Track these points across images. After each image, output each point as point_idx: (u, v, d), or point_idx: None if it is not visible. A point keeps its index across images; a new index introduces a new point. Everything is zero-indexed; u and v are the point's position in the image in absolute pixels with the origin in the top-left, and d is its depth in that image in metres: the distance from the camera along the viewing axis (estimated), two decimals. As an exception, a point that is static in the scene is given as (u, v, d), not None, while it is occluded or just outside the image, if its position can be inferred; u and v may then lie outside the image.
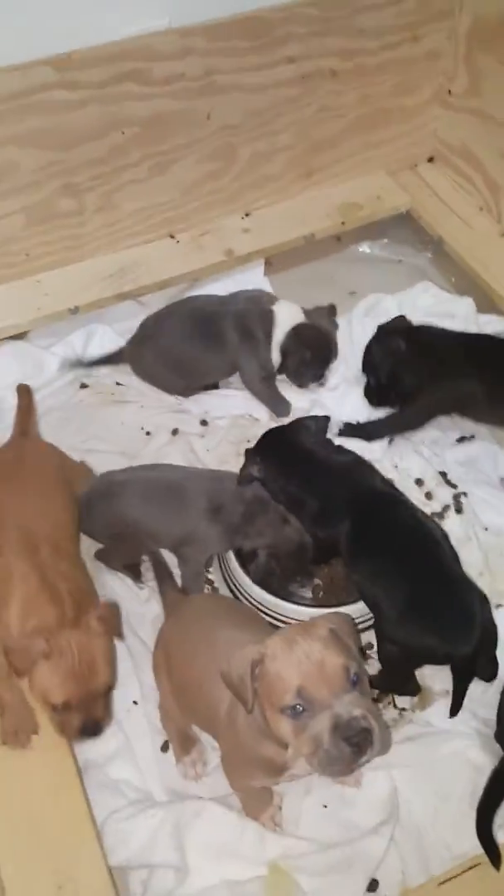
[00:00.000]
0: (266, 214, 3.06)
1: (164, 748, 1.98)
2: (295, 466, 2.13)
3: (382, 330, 2.53)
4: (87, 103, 2.48)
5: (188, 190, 2.87)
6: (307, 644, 1.39)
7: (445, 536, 2.02)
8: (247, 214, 3.05)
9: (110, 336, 2.81)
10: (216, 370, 2.70)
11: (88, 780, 1.87)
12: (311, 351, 2.59)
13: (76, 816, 1.68)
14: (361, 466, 2.14)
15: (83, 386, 2.70)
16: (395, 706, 2.05)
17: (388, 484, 2.16)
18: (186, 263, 2.87)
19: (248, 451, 2.21)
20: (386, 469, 2.45)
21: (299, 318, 2.62)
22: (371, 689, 2.05)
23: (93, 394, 2.69)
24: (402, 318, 2.59)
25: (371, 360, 2.53)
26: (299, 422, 2.29)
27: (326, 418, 2.33)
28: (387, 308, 2.89)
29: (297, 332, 2.59)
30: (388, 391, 2.52)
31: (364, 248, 3.33)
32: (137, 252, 2.87)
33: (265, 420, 2.65)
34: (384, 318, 2.74)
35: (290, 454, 2.16)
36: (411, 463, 2.52)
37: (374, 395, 2.55)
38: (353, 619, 1.58)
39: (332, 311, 2.74)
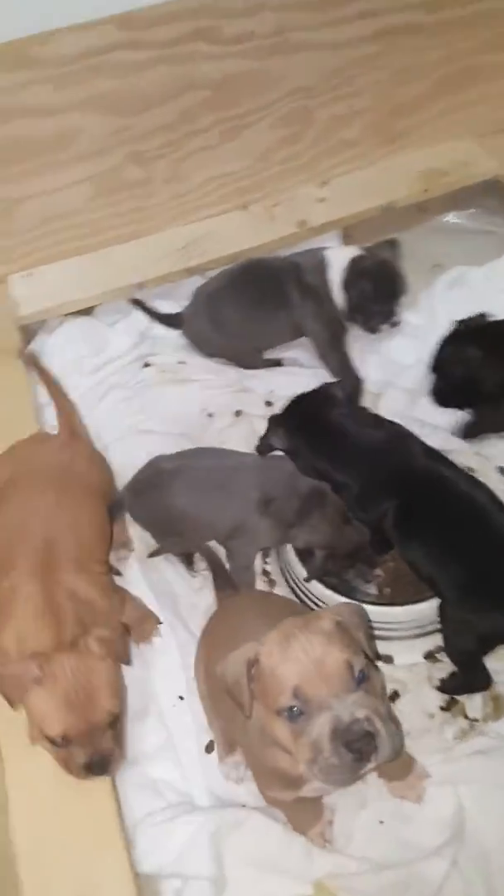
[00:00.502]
0: (343, 183, 2.89)
1: (209, 749, 1.84)
2: (324, 440, 1.92)
3: (457, 332, 2.29)
4: (155, 64, 2.37)
5: (261, 157, 2.73)
6: (306, 639, 1.23)
7: (497, 501, 1.81)
8: (323, 183, 2.88)
9: (176, 311, 2.68)
10: (276, 332, 2.52)
11: (126, 779, 1.74)
12: (373, 282, 2.32)
13: (104, 818, 1.55)
14: (399, 440, 1.91)
15: (146, 365, 2.60)
16: (465, 716, 1.84)
17: (432, 454, 1.92)
18: (258, 235, 2.72)
19: (272, 419, 2.01)
20: (468, 456, 2.25)
21: (354, 252, 2.40)
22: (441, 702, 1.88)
23: (156, 373, 2.58)
24: (481, 316, 2.32)
25: (442, 363, 2.28)
26: (327, 388, 2.05)
27: (358, 381, 2.11)
28: (473, 281, 2.66)
29: (354, 265, 2.35)
30: (459, 396, 2.29)
31: (450, 218, 3.09)
32: (207, 224, 2.75)
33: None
34: (469, 293, 2.52)
35: (318, 426, 1.94)
36: (494, 450, 2.29)
37: (443, 396, 2.31)
38: (364, 611, 1.41)
39: (393, 244, 2.48)
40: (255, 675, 1.27)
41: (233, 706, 1.46)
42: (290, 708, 1.22)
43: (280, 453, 2.01)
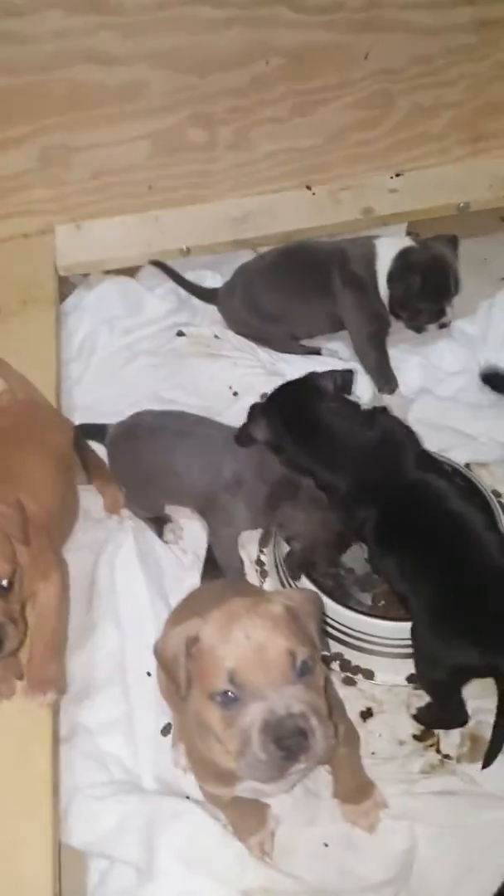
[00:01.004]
0: (418, 177, 2.75)
1: (165, 731, 1.76)
2: (310, 436, 1.77)
3: None
4: (232, 24, 2.29)
5: (333, 137, 2.61)
6: (250, 622, 1.13)
7: (494, 525, 1.67)
8: (397, 174, 2.74)
9: (219, 284, 2.59)
10: (315, 322, 2.40)
11: (74, 748, 1.69)
12: (422, 276, 2.17)
13: (36, 781, 1.50)
14: (391, 445, 1.76)
15: (180, 334, 2.52)
16: (438, 751, 1.71)
17: (428, 464, 1.77)
18: (317, 217, 2.62)
19: (253, 407, 1.86)
20: (498, 479, 2.11)
21: (406, 243, 2.25)
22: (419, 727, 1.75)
23: (189, 343, 2.50)
24: None
25: None
26: (316, 378, 1.87)
27: (350, 372, 1.93)
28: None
29: (403, 255, 2.20)
30: None
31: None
32: (266, 199, 2.66)
33: (367, 400, 2.34)
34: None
35: (305, 419, 1.78)
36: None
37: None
38: (321, 601, 1.29)
39: (453, 240, 2.31)
40: (195, 654, 1.18)
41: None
42: (224, 692, 1.12)
43: None
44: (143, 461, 1.93)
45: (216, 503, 1.86)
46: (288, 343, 2.45)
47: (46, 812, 1.48)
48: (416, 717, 1.74)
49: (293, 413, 1.80)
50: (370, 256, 2.24)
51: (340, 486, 1.72)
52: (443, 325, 2.26)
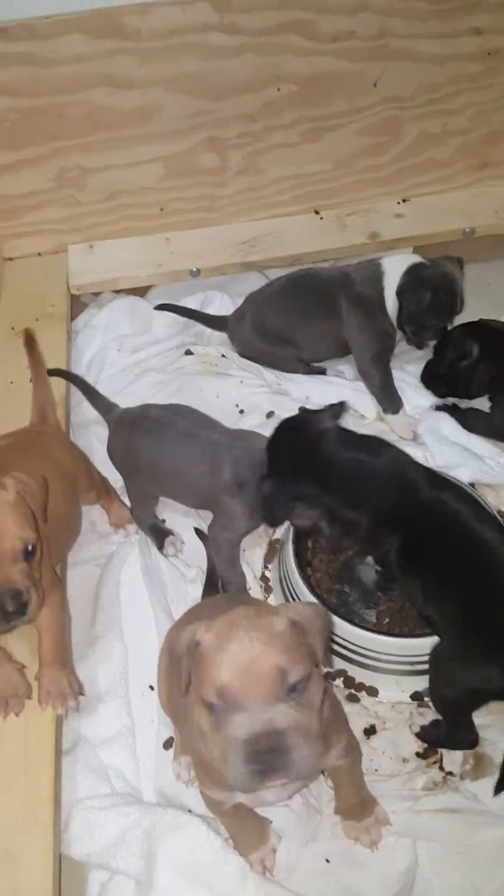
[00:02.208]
0: (425, 203, 2.80)
1: (168, 745, 1.75)
2: (324, 480, 1.73)
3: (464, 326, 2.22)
4: (244, 51, 2.34)
5: (342, 163, 2.67)
6: (247, 635, 1.14)
7: None
8: (404, 200, 2.79)
9: (227, 305, 2.64)
10: (323, 346, 2.43)
11: (76, 760, 1.68)
12: (433, 292, 2.18)
13: (38, 792, 1.48)
14: (400, 470, 1.75)
15: (188, 353, 2.55)
16: (441, 768, 1.70)
17: (438, 481, 1.75)
18: (324, 241, 2.66)
19: (263, 481, 1.78)
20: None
21: (415, 259, 2.28)
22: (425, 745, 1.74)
23: (196, 362, 2.52)
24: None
25: (442, 349, 2.26)
26: (313, 418, 1.82)
27: (342, 405, 1.88)
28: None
29: (412, 272, 2.23)
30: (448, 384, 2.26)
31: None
32: (275, 223, 2.70)
33: (372, 419, 2.36)
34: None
35: (320, 467, 1.74)
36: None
37: (430, 379, 2.28)
38: (329, 617, 1.29)
39: (459, 260, 2.34)
40: (195, 657, 1.19)
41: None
42: (215, 705, 1.14)
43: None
44: (146, 454, 1.95)
45: (217, 506, 1.88)
46: (294, 364, 2.47)
47: (47, 823, 1.47)
48: (419, 736, 1.74)
49: (303, 464, 1.75)
50: (377, 275, 2.27)
51: (363, 520, 1.72)
52: None
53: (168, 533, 2.08)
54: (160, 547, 2.06)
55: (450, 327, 2.24)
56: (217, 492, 1.87)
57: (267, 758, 1.08)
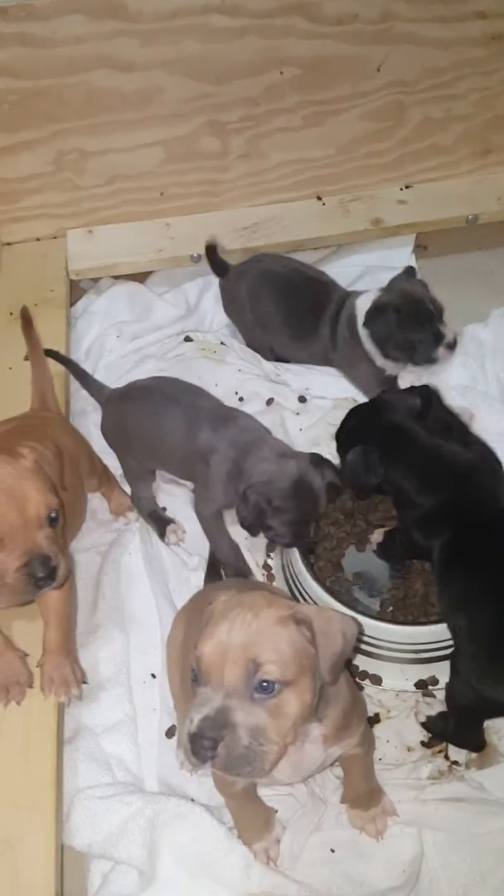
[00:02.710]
0: (428, 189, 2.76)
1: (170, 733, 1.74)
2: (408, 455, 1.74)
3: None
4: (247, 33, 2.31)
5: (344, 148, 2.63)
6: (242, 617, 1.12)
7: None
8: (406, 186, 2.76)
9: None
10: (301, 352, 2.41)
11: (78, 748, 1.67)
12: (395, 309, 2.13)
13: (39, 781, 1.47)
14: (488, 467, 1.74)
15: (187, 339, 2.52)
16: (446, 756, 1.69)
17: None
18: (327, 227, 2.63)
19: (340, 438, 1.84)
20: None
21: (373, 295, 2.23)
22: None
23: (195, 348, 2.50)
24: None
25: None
26: (401, 398, 1.85)
27: (426, 389, 1.88)
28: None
29: (373, 303, 2.19)
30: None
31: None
32: (276, 208, 2.66)
33: (373, 407, 2.34)
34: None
35: (402, 439, 1.76)
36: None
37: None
38: (355, 629, 1.24)
39: (409, 271, 2.33)
40: (204, 617, 1.19)
41: None
42: (193, 670, 1.14)
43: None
44: (131, 421, 1.97)
45: (195, 476, 1.89)
46: (264, 352, 2.45)
47: (49, 813, 1.45)
48: (425, 726, 1.72)
49: (392, 434, 1.76)
50: (352, 320, 2.24)
51: (426, 504, 1.69)
52: (450, 346, 2.19)
53: (169, 521, 2.06)
54: (161, 535, 2.04)
55: (443, 329, 2.16)
56: (193, 458, 1.87)
57: (207, 743, 1.07)
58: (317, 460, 1.84)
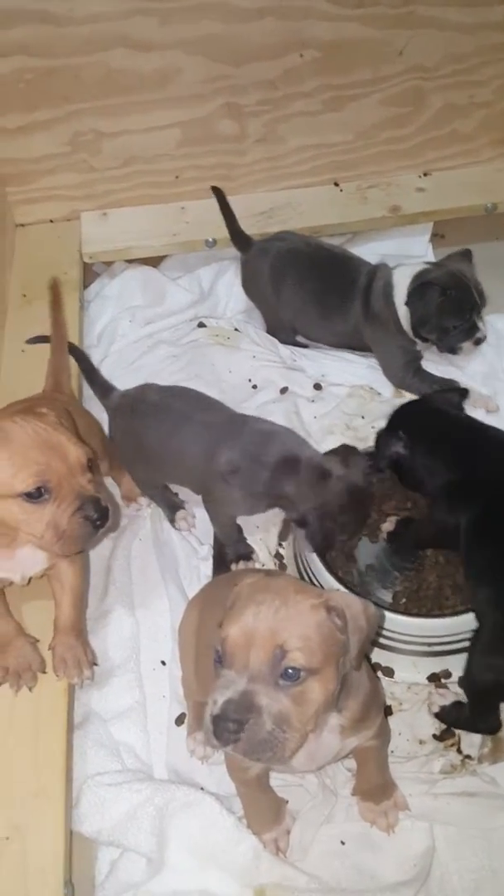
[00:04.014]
0: (447, 177, 2.73)
1: (180, 721, 1.72)
2: (450, 437, 1.77)
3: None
4: (267, 14, 2.27)
5: (364, 133, 2.59)
6: (270, 604, 1.10)
7: None
8: (425, 174, 2.72)
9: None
10: (324, 330, 2.37)
11: (87, 735, 1.65)
12: (441, 290, 2.09)
13: (49, 767, 1.45)
14: None
15: (201, 325, 2.49)
16: (458, 750, 1.67)
17: None
18: (344, 213, 2.59)
19: (384, 431, 1.83)
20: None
21: (420, 267, 2.19)
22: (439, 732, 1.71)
23: (208, 334, 2.47)
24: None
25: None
26: (438, 395, 1.93)
27: (465, 391, 1.93)
28: None
29: (418, 276, 2.14)
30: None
31: None
32: (294, 194, 2.63)
33: (388, 395, 2.31)
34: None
35: (446, 424, 1.80)
36: None
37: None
38: (377, 614, 1.23)
39: (466, 254, 2.24)
40: (232, 598, 1.18)
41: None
42: (217, 652, 1.13)
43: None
44: (143, 439, 1.89)
45: (213, 494, 1.83)
46: (281, 332, 2.42)
47: (59, 799, 1.44)
48: (439, 716, 1.70)
49: (434, 420, 1.80)
50: (388, 290, 2.19)
51: (459, 475, 1.69)
52: (478, 342, 2.17)
53: (180, 506, 2.03)
54: (172, 520, 2.02)
55: (479, 323, 2.12)
56: (211, 477, 1.81)
57: (232, 726, 1.06)
58: (345, 453, 1.81)
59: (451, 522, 1.67)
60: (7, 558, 1.46)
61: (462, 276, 2.13)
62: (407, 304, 2.14)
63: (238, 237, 2.41)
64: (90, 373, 2.11)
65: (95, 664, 1.65)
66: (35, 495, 1.31)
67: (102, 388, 2.07)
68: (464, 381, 2.29)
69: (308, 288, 2.31)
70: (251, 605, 1.11)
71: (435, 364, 2.33)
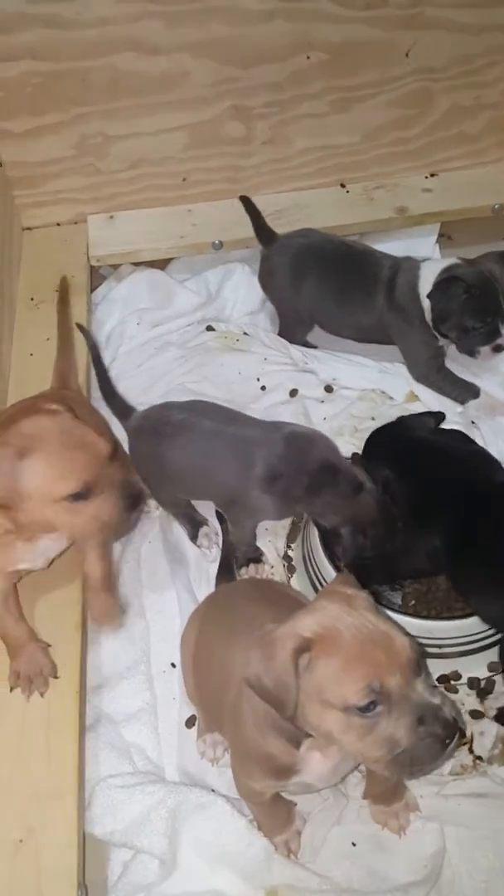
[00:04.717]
0: (453, 178, 2.73)
1: (190, 723, 1.73)
2: (407, 454, 1.82)
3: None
4: (274, 16, 2.27)
5: (370, 135, 2.60)
6: (363, 617, 1.08)
7: None
8: (432, 174, 2.72)
9: (248, 277, 2.58)
10: (344, 324, 2.36)
11: (98, 737, 1.66)
12: (466, 288, 2.05)
13: (61, 769, 1.46)
14: (483, 458, 1.79)
15: (209, 328, 2.50)
16: (470, 750, 1.67)
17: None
18: (351, 214, 2.60)
19: (355, 455, 1.92)
20: None
21: (450, 262, 2.17)
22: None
23: (217, 337, 2.48)
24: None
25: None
26: (410, 418, 1.95)
27: (441, 414, 1.96)
28: None
29: (446, 271, 2.12)
30: None
31: None
32: (301, 196, 2.63)
33: (400, 399, 2.31)
34: None
35: (404, 444, 1.85)
36: None
37: None
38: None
39: (501, 256, 2.20)
40: (309, 667, 1.10)
41: (219, 685, 1.35)
42: (368, 704, 1.07)
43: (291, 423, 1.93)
44: (170, 459, 1.86)
45: (245, 500, 1.82)
46: (294, 329, 2.41)
47: (72, 801, 1.45)
48: (498, 719, 1.71)
49: (394, 441, 1.86)
50: (413, 282, 2.17)
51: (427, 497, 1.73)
52: (499, 348, 2.14)
53: (203, 523, 2.02)
54: (194, 537, 2.01)
55: (502, 328, 2.10)
56: (246, 488, 1.80)
57: (446, 734, 1.07)
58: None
59: (430, 545, 1.71)
60: (30, 550, 1.48)
61: (491, 276, 2.10)
62: (429, 296, 2.12)
63: (263, 232, 2.39)
64: (110, 395, 2.07)
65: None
66: (80, 496, 1.32)
67: (121, 409, 2.04)
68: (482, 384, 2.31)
69: (331, 282, 2.29)
70: (355, 638, 1.08)
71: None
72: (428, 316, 2.17)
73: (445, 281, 2.10)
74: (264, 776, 1.32)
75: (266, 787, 1.36)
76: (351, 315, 2.31)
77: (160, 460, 1.87)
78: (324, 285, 2.29)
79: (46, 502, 1.32)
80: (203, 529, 2.01)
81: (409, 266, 2.23)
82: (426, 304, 2.15)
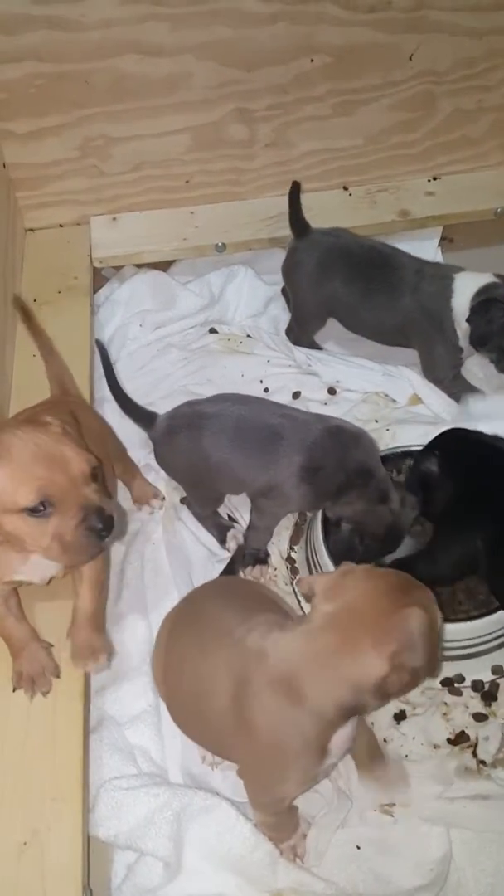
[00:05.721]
0: (456, 181, 2.73)
1: (193, 726, 1.72)
2: (481, 464, 1.80)
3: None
4: (278, 19, 2.27)
5: (373, 138, 2.60)
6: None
7: None
8: (434, 178, 2.72)
9: (252, 280, 2.58)
10: (365, 324, 2.35)
11: (102, 739, 1.65)
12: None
13: (65, 771, 1.46)
14: None
15: (212, 331, 2.49)
16: (474, 754, 1.67)
17: None
18: (353, 218, 2.59)
19: (420, 451, 1.87)
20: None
21: (487, 280, 2.15)
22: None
23: (220, 340, 2.47)
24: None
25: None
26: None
27: None
28: None
29: (486, 290, 2.11)
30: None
31: None
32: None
33: (403, 402, 2.31)
34: None
35: (479, 448, 1.83)
36: None
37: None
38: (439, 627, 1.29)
39: None
40: None
41: (201, 710, 1.42)
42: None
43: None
44: (207, 456, 1.82)
45: (280, 489, 1.81)
46: (307, 325, 2.42)
47: (77, 803, 1.44)
48: None
49: (468, 444, 1.84)
50: (446, 294, 2.17)
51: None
52: None
53: (229, 527, 2.02)
54: (222, 541, 2.01)
55: None
56: (283, 477, 1.79)
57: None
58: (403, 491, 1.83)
59: (471, 545, 1.70)
60: (21, 563, 1.46)
61: None
62: (468, 320, 2.11)
63: (297, 222, 2.36)
64: (129, 408, 2.02)
65: (111, 654, 1.64)
66: (37, 510, 1.30)
67: (143, 418, 1.99)
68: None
69: (357, 283, 2.28)
70: None
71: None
72: (459, 331, 2.17)
73: (485, 302, 2.10)
74: (305, 767, 1.33)
75: (303, 782, 1.37)
76: (375, 315, 2.30)
77: (203, 453, 1.83)
78: (350, 286, 2.28)
79: (8, 513, 1.31)
80: (231, 532, 2.01)
81: (440, 274, 2.23)
82: (457, 317, 2.15)
